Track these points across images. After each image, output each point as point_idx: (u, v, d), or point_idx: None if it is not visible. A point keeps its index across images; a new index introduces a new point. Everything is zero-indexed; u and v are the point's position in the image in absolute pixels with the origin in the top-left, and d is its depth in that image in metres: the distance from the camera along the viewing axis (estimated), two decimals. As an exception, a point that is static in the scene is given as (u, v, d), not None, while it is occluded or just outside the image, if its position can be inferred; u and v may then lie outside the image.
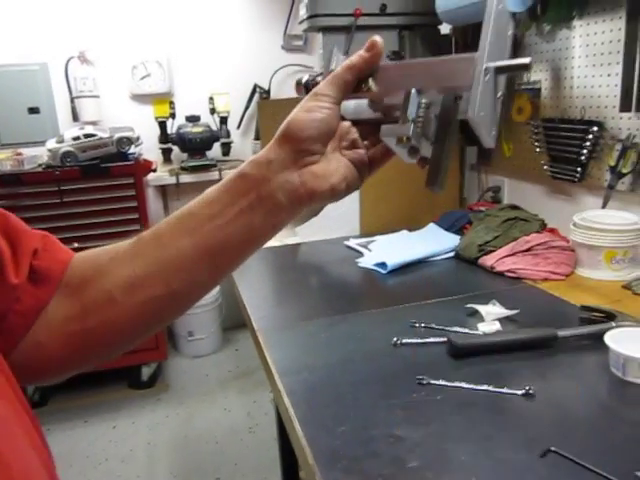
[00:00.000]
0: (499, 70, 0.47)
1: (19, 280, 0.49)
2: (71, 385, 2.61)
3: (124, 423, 2.52)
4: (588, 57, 1.35)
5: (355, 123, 0.55)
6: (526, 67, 0.47)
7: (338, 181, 0.52)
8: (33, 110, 2.83)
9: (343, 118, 0.54)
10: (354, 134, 0.55)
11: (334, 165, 0.53)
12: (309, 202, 0.51)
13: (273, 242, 1.81)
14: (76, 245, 2.46)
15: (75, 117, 2.84)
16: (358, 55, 0.52)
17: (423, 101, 0.49)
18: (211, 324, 3.08)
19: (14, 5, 2.76)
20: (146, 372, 2.77)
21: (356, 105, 0.54)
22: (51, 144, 2.45)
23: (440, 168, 0.50)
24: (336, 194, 0.53)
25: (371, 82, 0.52)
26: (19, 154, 2.53)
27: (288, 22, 3.10)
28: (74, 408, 2.63)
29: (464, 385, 0.80)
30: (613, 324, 0.91)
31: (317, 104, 0.51)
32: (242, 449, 2.30)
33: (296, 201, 0.51)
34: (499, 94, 0.48)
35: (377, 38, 0.52)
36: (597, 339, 0.86)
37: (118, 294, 0.50)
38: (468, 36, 1.76)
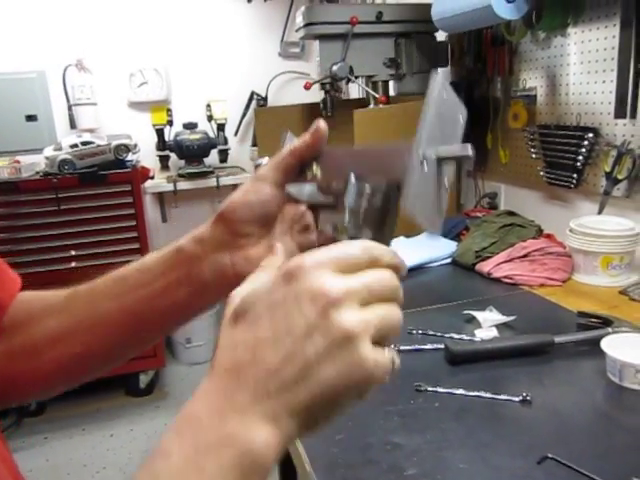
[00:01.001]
0: (441, 160, 0.44)
1: None
2: (68, 393, 2.60)
3: (122, 431, 2.51)
4: (583, 64, 1.36)
5: (311, 207, 0.52)
6: (468, 158, 0.44)
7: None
8: (31, 118, 2.83)
9: (298, 201, 0.51)
10: (308, 219, 0.52)
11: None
12: (233, 287, 0.51)
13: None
14: (73, 253, 2.46)
15: (73, 125, 2.84)
16: (301, 139, 0.50)
17: (366, 189, 0.47)
18: (209, 330, 3.08)
19: (12, 14, 2.77)
20: (144, 379, 2.76)
21: (311, 189, 0.52)
22: (49, 152, 2.45)
23: None
24: None
25: (315, 167, 0.50)
26: (17, 162, 2.53)
27: (285, 29, 3.11)
28: (71, 416, 2.61)
29: (461, 392, 0.80)
30: (610, 330, 0.91)
31: (255, 186, 0.50)
32: (240, 456, 2.29)
33: (224, 283, 0.49)
34: (445, 182, 0.45)
35: (321, 123, 0.50)
36: (594, 345, 0.87)
37: (42, 346, 0.51)
38: (464, 43, 1.77)
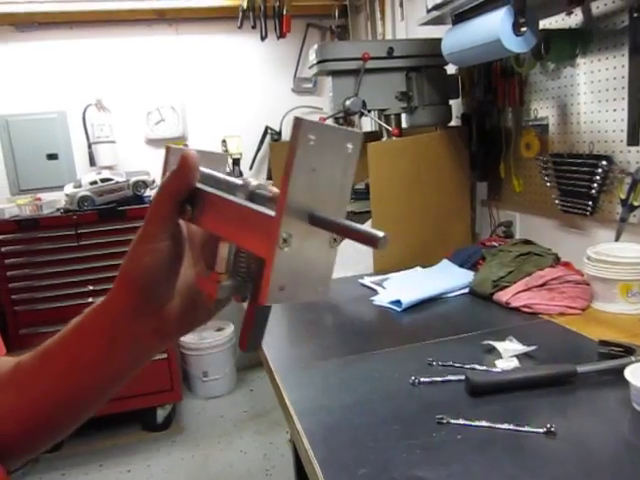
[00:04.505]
0: (314, 222, 0.36)
1: None
2: (85, 429, 2.59)
3: (139, 466, 2.49)
4: (593, 93, 1.37)
5: None
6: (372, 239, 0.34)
7: (194, 316, 0.49)
8: (52, 156, 2.91)
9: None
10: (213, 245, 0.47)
11: (189, 297, 0.48)
12: (165, 345, 0.49)
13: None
14: (91, 288, 2.49)
15: (92, 162, 2.91)
16: (168, 175, 0.44)
17: (237, 255, 0.43)
18: (226, 364, 3.07)
19: (35, 58, 2.87)
20: (161, 414, 2.75)
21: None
22: (69, 189, 2.51)
23: (251, 329, 0.42)
24: (194, 328, 0.50)
25: (188, 208, 0.44)
26: (38, 199, 2.60)
27: (298, 66, 3.19)
28: (88, 452, 2.60)
29: (484, 424, 0.79)
30: (633, 359, 0.90)
31: (146, 247, 0.44)
32: (259, 493, 2.26)
33: (150, 348, 0.48)
34: (329, 241, 0.38)
35: (189, 153, 0.44)
36: (617, 374, 0.86)
37: None
38: (474, 75, 1.80)
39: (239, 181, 0.44)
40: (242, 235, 0.39)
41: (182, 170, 0.44)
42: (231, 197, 0.42)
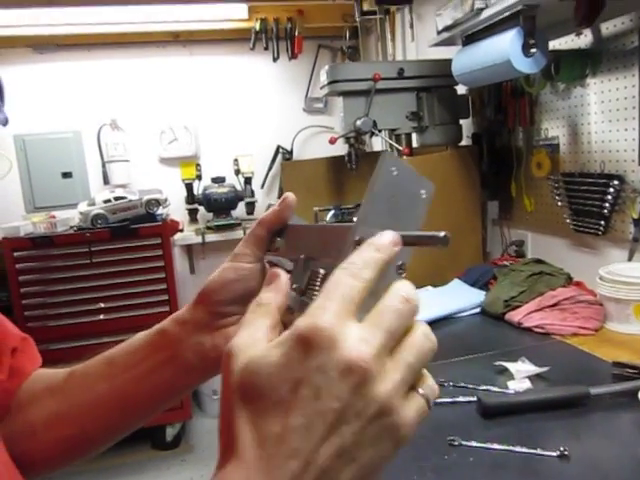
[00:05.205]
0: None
1: (3, 376, 0.53)
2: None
3: (148, 486, 2.48)
4: (604, 113, 1.38)
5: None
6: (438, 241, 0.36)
7: None
8: (66, 175, 2.96)
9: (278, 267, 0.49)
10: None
11: None
12: (219, 370, 0.51)
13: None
14: (102, 305, 2.51)
15: (106, 180, 2.95)
16: (269, 210, 0.50)
17: (320, 271, 0.44)
18: (235, 382, 3.06)
19: (52, 79, 2.94)
20: (170, 432, 2.73)
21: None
22: (83, 207, 2.54)
23: None
24: None
25: (279, 240, 0.50)
26: (52, 217, 2.63)
27: (309, 86, 3.22)
28: (97, 470, 2.59)
29: (496, 446, 0.78)
30: (647, 381, 0.88)
31: (234, 265, 0.49)
32: (268, 514, 2.23)
33: (207, 364, 0.50)
34: (399, 264, 0.39)
35: (289, 195, 0.49)
36: (631, 396, 0.85)
37: (39, 427, 0.52)
38: (484, 95, 1.81)
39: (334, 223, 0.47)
40: (321, 249, 0.43)
41: (281, 205, 0.49)
42: (314, 225, 0.46)
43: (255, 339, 0.32)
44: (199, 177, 2.99)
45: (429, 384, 0.32)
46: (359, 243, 0.36)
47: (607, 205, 1.35)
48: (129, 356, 0.52)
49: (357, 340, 0.29)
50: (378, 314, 0.31)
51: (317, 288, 0.43)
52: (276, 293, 0.37)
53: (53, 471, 0.55)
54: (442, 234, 0.36)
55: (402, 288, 0.33)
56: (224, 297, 0.49)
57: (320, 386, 0.28)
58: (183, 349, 0.50)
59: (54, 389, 0.53)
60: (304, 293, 0.44)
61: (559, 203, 1.53)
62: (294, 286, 0.43)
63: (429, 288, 1.61)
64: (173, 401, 0.54)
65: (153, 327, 0.52)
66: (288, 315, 0.41)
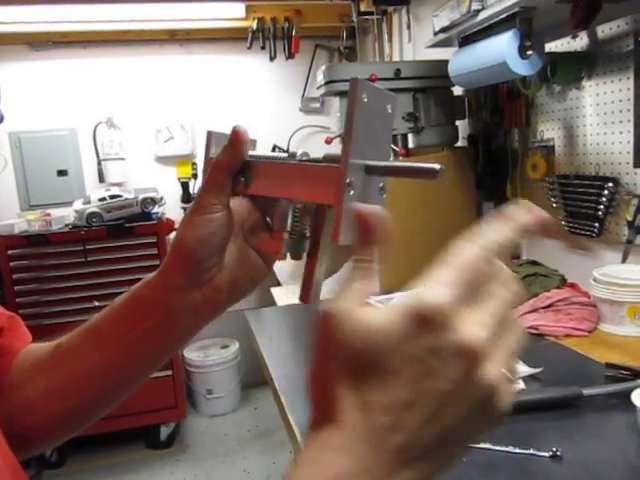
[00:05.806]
0: (370, 171, 0.39)
1: None
2: (88, 445, 2.58)
3: (141, 485, 2.47)
4: (599, 115, 1.38)
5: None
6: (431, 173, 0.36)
7: (243, 284, 0.51)
8: (62, 172, 2.95)
9: (252, 197, 0.49)
10: (254, 216, 0.50)
11: (236, 268, 0.50)
12: (214, 316, 0.51)
13: (293, 300, 1.81)
14: (96, 304, 2.50)
15: (101, 179, 2.94)
16: (223, 150, 0.47)
17: (298, 207, 0.46)
18: (230, 382, 3.06)
19: (48, 77, 2.93)
20: (164, 432, 2.73)
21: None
22: (78, 205, 2.54)
23: (312, 282, 0.45)
24: (242, 297, 0.51)
25: (243, 180, 0.47)
26: (47, 215, 2.62)
27: (306, 86, 3.22)
28: (91, 469, 2.59)
29: (489, 447, 0.78)
30: (640, 382, 0.89)
31: (204, 218, 0.46)
32: (261, 514, 2.23)
33: (201, 319, 0.50)
34: (380, 185, 0.40)
35: (239, 128, 0.47)
36: (624, 398, 0.85)
37: (37, 403, 0.52)
38: (480, 96, 1.82)
39: (284, 154, 0.49)
40: (305, 191, 0.42)
41: (235, 143, 0.47)
42: (287, 162, 0.46)
43: (359, 304, 0.32)
44: (195, 176, 2.99)
45: (516, 370, 0.33)
46: (349, 185, 0.37)
47: (601, 207, 1.36)
48: (115, 326, 0.51)
49: (473, 324, 0.29)
50: (492, 301, 0.31)
51: (306, 229, 0.46)
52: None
53: (57, 443, 0.56)
54: (437, 167, 0.35)
55: (515, 282, 0.32)
56: (204, 254, 0.47)
57: (433, 365, 0.28)
58: (175, 312, 0.49)
59: (43, 365, 0.53)
60: (291, 233, 0.46)
61: (554, 205, 1.53)
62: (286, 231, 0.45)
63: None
64: (168, 357, 0.54)
65: (128, 293, 0.51)
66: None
